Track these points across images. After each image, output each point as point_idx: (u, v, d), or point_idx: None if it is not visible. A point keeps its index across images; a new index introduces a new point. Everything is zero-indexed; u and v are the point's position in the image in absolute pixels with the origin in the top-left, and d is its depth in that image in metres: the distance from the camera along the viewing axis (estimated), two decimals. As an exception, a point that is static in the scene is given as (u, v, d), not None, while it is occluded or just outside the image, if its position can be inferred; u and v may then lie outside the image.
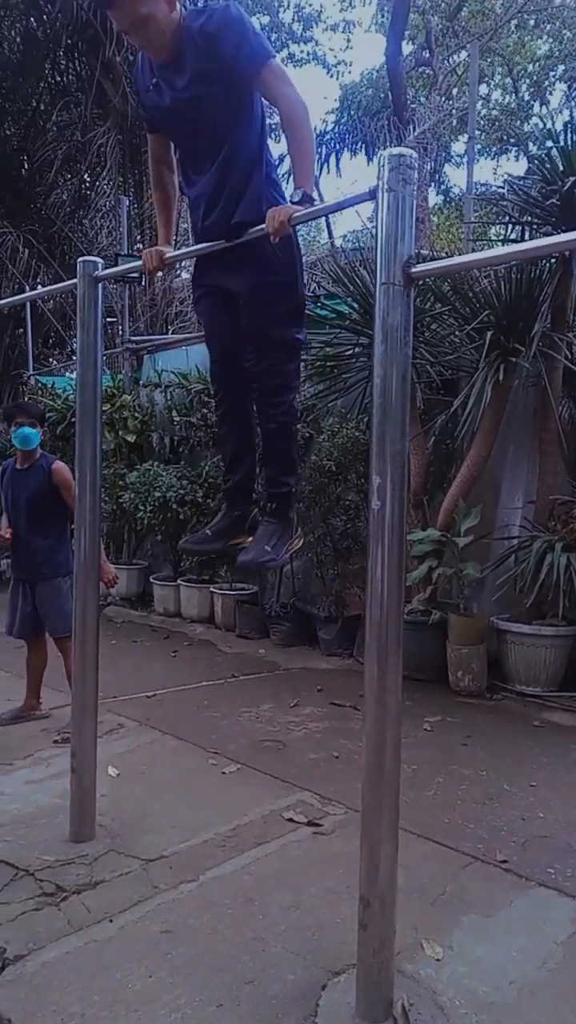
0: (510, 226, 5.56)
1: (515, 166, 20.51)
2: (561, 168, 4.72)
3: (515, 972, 2.21)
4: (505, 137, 17.96)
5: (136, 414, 7.93)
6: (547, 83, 18.27)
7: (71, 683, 3.31)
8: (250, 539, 2.74)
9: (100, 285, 2.92)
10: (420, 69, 17.99)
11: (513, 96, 18.78)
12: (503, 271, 4.86)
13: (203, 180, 2.48)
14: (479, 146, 16.12)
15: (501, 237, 6.43)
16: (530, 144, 16.00)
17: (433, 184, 17.18)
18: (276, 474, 2.69)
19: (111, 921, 2.42)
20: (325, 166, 14.96)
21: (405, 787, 2.30)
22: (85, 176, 12.26)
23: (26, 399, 8.89)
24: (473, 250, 6.52)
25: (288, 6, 19.45)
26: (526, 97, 18.71)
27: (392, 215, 1.89)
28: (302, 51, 19.71)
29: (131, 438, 7.82)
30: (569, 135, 4.71)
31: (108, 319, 9.94)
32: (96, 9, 8.87)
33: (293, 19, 19.46)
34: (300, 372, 2.80)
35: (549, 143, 4.95)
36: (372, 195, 1.95)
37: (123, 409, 7.92)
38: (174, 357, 8.20)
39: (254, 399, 2.66)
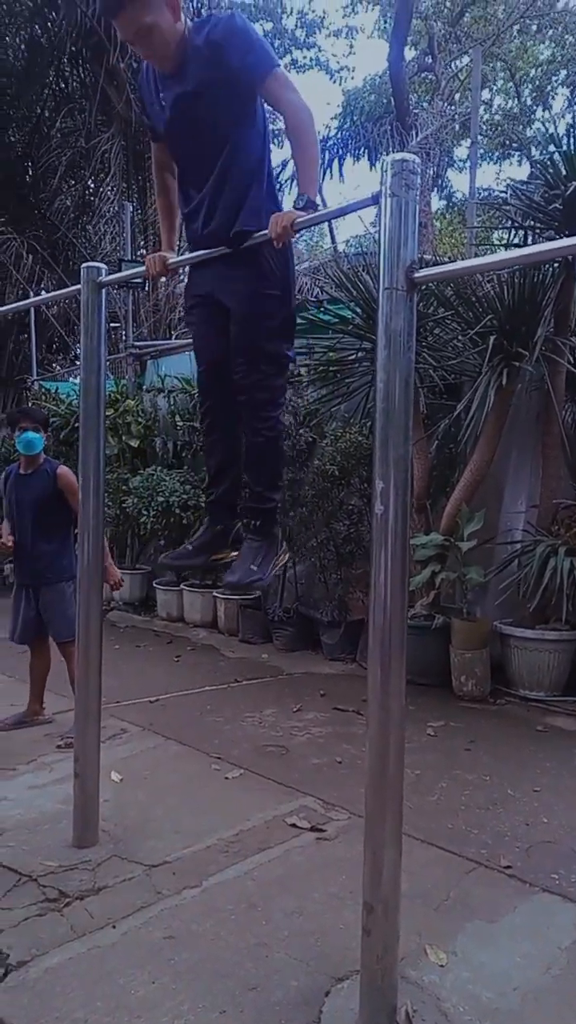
0: (513, 231, 5.56)
1: (518, 171, 20.53)
2: (564, 173, 4.72)
3: (519, 978, 2.20)
4: (508, 142, 18.00)
5: (140, 419, 7.94)
6: (549, 88, 18.31)
7: (74, 688, 3.32)
8: (233, 554, 2.69)
9: (104, 290, 2.93)
10: (423, 74, 18.04)
11: (516, 101, 18.82)
12: (506, 276, 4.86)
13: (203, 189, 2.48)
14: (482, 151, 16.18)
15: (504, 242, 6.44)
16: (533, 149, 16.04)
17: (436, 189, 17.22)
18: (262, 490, 2.64)
19: (114, 927, 2.42)
20: (328, 171, 14.96)
21: (408, 792, 2.30)
22: (89, 182, 12.31)
23: (30, 404, 8.91)
24: (476, 255, 6.53)
25: (291, 12, 19.55)
26: (528, 102, 18.75)
27: (395, 220, 1.89)
28: (305, 57, 19.80)
29: (135, 443, 7.83)
30: (572, 139, 4.71)
31: (112, 324, 9.97)
32: (101, 17, 8.92)
33: (296, 25, 19.55)
34: (287, 388, 2.76)
35: (552, 148, 4.96)
36: (375, 200, 1.96)
37: (127, 414, 7.93)
38: (177, 362, 8.21)
39: (242, 412, 2.62)
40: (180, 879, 2.71)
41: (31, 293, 10.17)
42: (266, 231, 2.32)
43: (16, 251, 10.35)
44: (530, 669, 4.89)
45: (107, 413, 3.05)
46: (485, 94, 17.74)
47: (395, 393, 1.91)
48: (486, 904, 2.58)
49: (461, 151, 17.79)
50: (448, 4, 17.69)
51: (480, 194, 7.49)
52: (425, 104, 16.29)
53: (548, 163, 4.87)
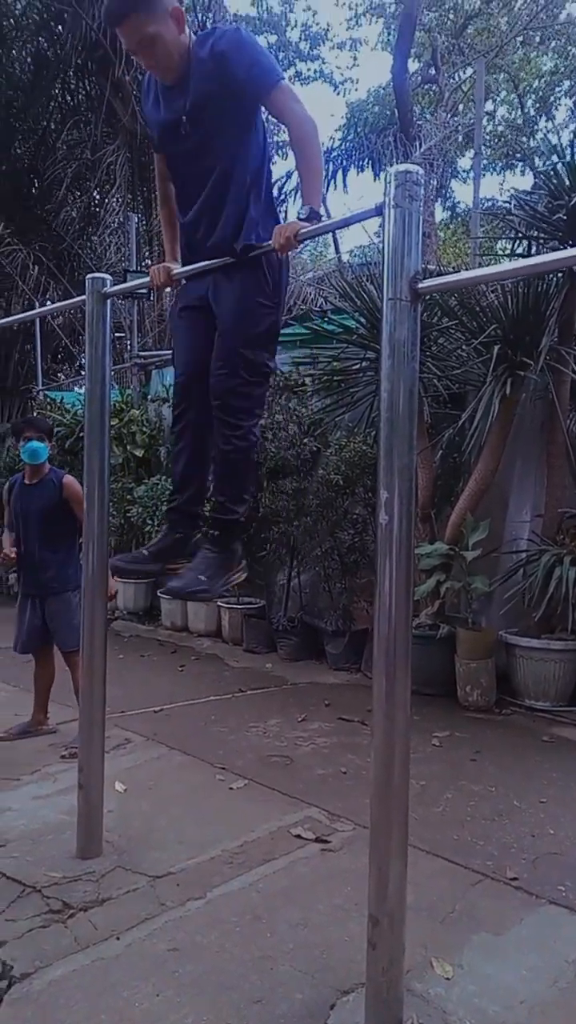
0: (516, 241, 5.58)
1: (521, 181, 20.66)
2: (567, 183, 4.74)
3: (525, 991, 2.18)
4: (511, 152, 18.08)
5: (144, 428, 7.96)
6: (553, 99, 18.40)
7: (78, 698, 3.31)
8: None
9: (109, 301, 2.94)
10: (426, 86, 18.15)
11: (519, 112, 18.91)
12: (510, 285, 4.87)
13: (201, 199, 2.49)
14: (485, 161, 16.26)
15: (507, 251, 6.46)
16: (536, 159, 16.10)
17: (439, 199, 17.31)
18: (225, 500, 2.58)
19: (118, 939, 2.41)
20: (332, 182, 15.06)
21: (414, 803, 2.28)
22: (94, 194, 12.39)
23: (35, 414, 8.94)
24: (480, 265, 6.55)
25: (295, 25, 19.71)
26: (532, 113, 18.84)
27: (399, 231, 1.90)
28: (309, 69, 19.96)
29: (139, 452, 7.85)
30: (575, 150, 4.74)
31: (116, 334, 10.01)
32: (105, 28, 8.99)
33: (300, 38, 19.72)
34: (264, 402, 2.69)
35: (555, 158, 4.98)
36: (379, 211, 1.97)
37: (131, 424, 7.96)
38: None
39: (215, 418, 2.56)
40: (184, 890, 2.70)
41: (37, 303, 10.22)
42: (269, 242, 2.33)
43: (22, 262, 10.41)
44: (536, 679, 4.87)
45: (112, 423, 3.06)
46: (488, 105, 17.83)
47: (399, 403, 1.92)
48: (492, 916, 2.56)
49: (464, 162, 17.90)
50: (451, 16, 17.81)
51: (483, 205, 7.53)
52: (428, 115, 16.38)
53: (552, 174, 4.88)
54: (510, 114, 19.35)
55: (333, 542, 5.95)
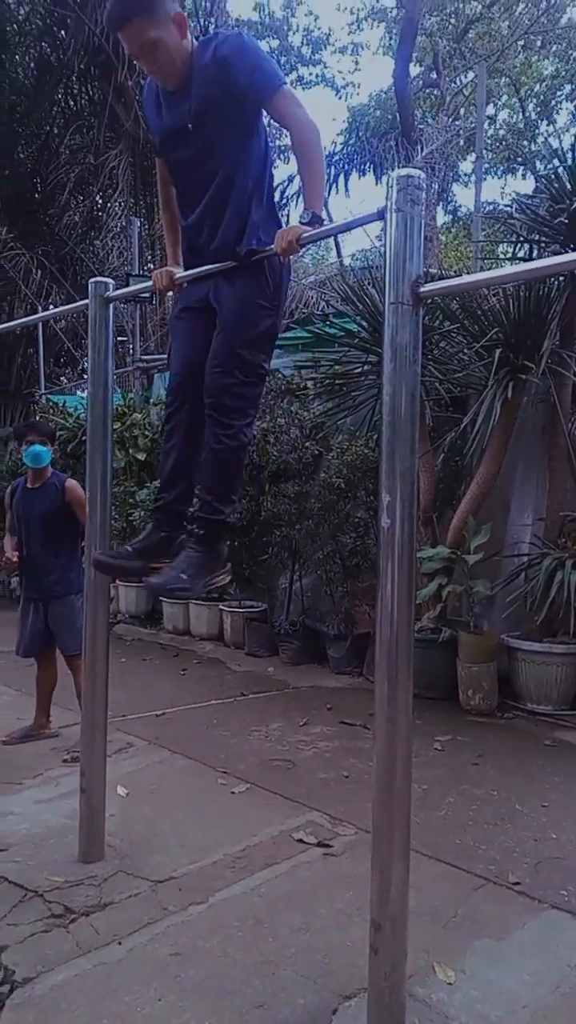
0: (518, 244, 5.58)
1: (522, 184, 20.65)
2: (569, 187, 4.75)
3: (528, 996, 2.17)
4: (512, 156, 18.08)
5: (146, 432, 7.97)
6: (554, 102, 18.43)
7: (80, 702, 3.31)
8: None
9: (111, 305, 2.95)
10: (428, 90, 18.19)
11: (520, 116, 18.93)
12: (511, 289, 4.87)
13: (203, 203, 2.50)
14: (486, 165, 16.25)
15: (509, 255, 6.46)
16: (537, 163, 16.08)
17: (441, 203, 17.33)
18: (212, 499, 2.56)
19: (120, 943, 2.40)
20: (334, 186, 15.10)
21: (416, 807, 2.28)
22: (97, 198, 12.43)
23: (37, 418, 8.95)
24: (481, 268, 6.55)
25: (297, 29, 19.76)
26: (533, 116, 18.86)
27: (400, 235, 1.90)
28: (311, 73, 20.02)
29: (141, 456, 7.85)
30: (576, 154, 4.75)
31: (119, 338, 10.03)
32: (108, 33, 9.02)
33: (302, 42, 19.77)
34: (259, 404, 2.66)
35: (556, 162, 4.99)
36: (380, 215, 1.97)
37: (134, 427, 7.97)
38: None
39: (207, 416, 2.54)
40: (186, 895, 2.69)
41: (39, 307, 10.24)
42: (271, 246, 2.34)
43: (25, 266, 10.44)
44: (538, 683, 4.86)
45: (114, 426, 3.06)
46: (490, 109, 17.87)
47: (401, 406, 1.92)
48: (495, 921, 2.56)
49: (466, 165, 17.91)
50: (453, 21, 17.85)
51: (485, 208, 7.53)
52: (430, 119, 16.40)
53: (553, 178, 4.89)
54: (511, 118, 19.38)
55: (335, 545, 5.95)
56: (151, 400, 8.70)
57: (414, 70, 17.09)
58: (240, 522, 6.44)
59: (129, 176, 10.90)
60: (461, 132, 14.03)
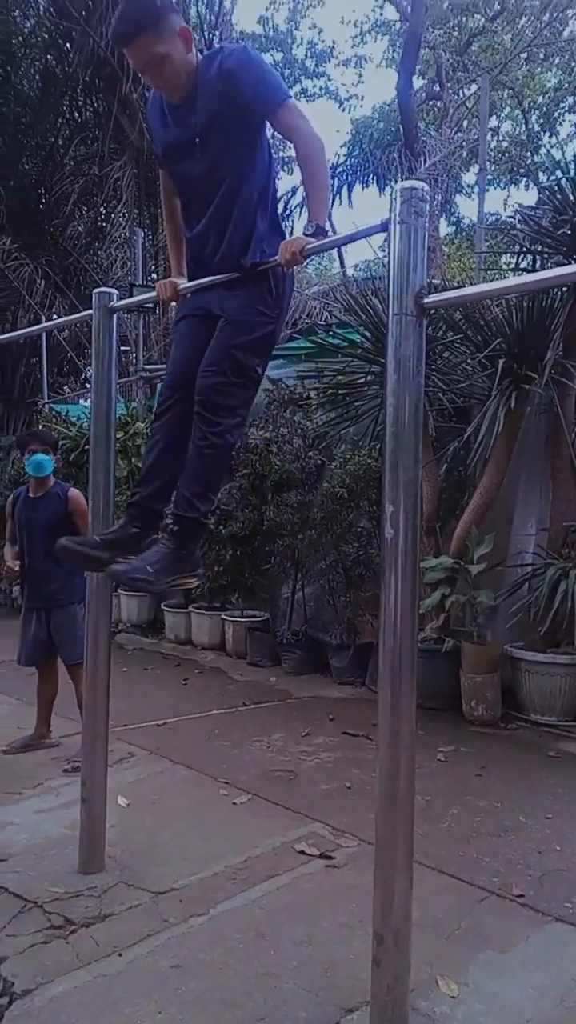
0: (521, 255, 5.60)
1: (525, 195, 20.77)
2: (572, 198, 4.76)
3: (532, 1010, 2.15)
4: (515, 168, 18.18)
5: (149, 442, 7.96)
6: (557, 114, 18.54)
7: (82, 711, 3.31)
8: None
9: (115, 315, 2.96)
10: (431, 102, 18.31)
11: (523, 127, 19.04)
12: (515, 299, 4.88)
13: (208, 214, 2.51)
14: (489, 177, 16.34)
15: (512, 266, 6.48)
16: (540, 174, 16.17)
17: (444, 214, 17.39)
18: (190, 495, 2.52)
19: (120, 955, 2.39)
20: (337, 197, 15.17)
21: (419, 819, 2.27)
22: (101, 209, 12.49)
23: (40, 427, 8.97)
24: (484, 279, 6.57)
25: (301, 42, 19.91)
26: (536, 128, 18.96)
27: (404, 246, 1.91)
28: (315, 86, 20.16)
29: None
30: (579, 166, 4.77)
31: (122, 348, 10.05)
32: (114, 47, 9.09)
33: (306, 55, 19.92)
34: (249, 408, 2.63)
35: (559, 174, 5.01)
36: (384, 227, 1.98)
37: (136, 437, 7.97)
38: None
39: (195, 414, 2.52)
40: (187, 906, 2.68)
41: (43, 317, 10.27)
42: (275, 257, 2.35)
43: (29, 276, 10.48)
44: (541, 694, 4.85)
45: (117, 436, 3.05)
46: (493, 121, 17.97)
47: (405, 417, 1.92)
48: (498, 934, 2.54)
49: (469, 177, 17.96)
50: (456, 34, 17.98)
51: (488, 219, 7.56)
52: (433, 131, 16.49)
53: (556, 189, 4.91)
54: (514, 130, 19.49)
55: (338, 555, 5.95)
56: (154, 409, 8.70)
57: (417, 82, 17.22)
58: (243, 531, 6.44)
59: (133, 187, 10.95)
60: (464, 144, 14.10)
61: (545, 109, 18.52)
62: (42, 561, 4.25)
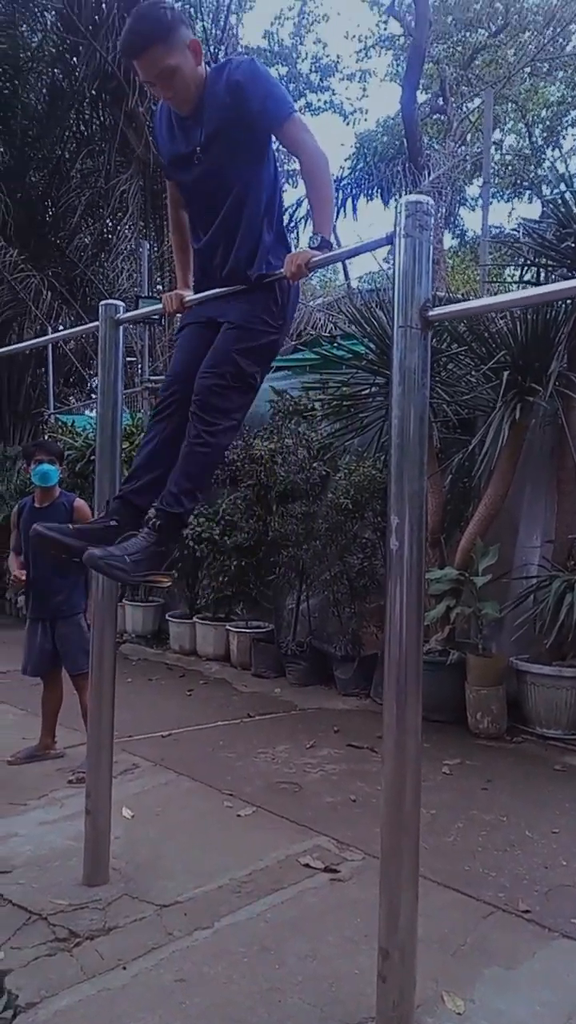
0: (525, 268, 5.62)
1: (529, 209, 20.83)
2: (575, 211, 4.78)
3: (539, 1028, 2.13)
4: (519, 181, 18.27)
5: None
6: (560, 128, 18.64)
7: (86, 722, 3.30)
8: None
9: (121, 327, 2.97)
10: (435, 116, 18.43)
11: (527, 141, 19.14)
12: (519, 312, 4.90)
13: (215, 225, 2.53)
14: (493, 190, 16.39)
15: (516, 278, 6.50)
16: (544, 188, 16.26)
17: (448, 227, 17.47)
18: (177, 491, 2.51)
19: (124, 968, 2.38)
20: (342, 210, 15.23)
21: (424, 833, 2.26)
22: (107, 221, 12.58)
23: (46, 437, 9.00)
24: (488, 291, 6.59)
25: (306, 57, 20.08)
26: (539, 142, 19.07)
27: (409, 260, 1.92)
28: (320, 100, 20.32)
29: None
30: (583, 179, 4.79)
31: (128, 359, 10.10)
32: (119, 60, 9.17)
33: (311, 69, 20.08)
34: (244, 412, 2.65)
35: (563, 187, 5.03)
36: (389, 240, 1.99)
37: (142, 447, 7.99)
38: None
39: (191, 414, 2.52)
40: (192, 920, 2.66)
41: (49, 328, 10.33)
42: (281, 270, 2.36)
43: (35, 287, 10.54)
44: (547, 706, 4.82)
45: (123, 446, 3.06)
46: (496, 134, 18.07)
47: (410, 429, 1.93)
48: (504, 950, 2.52)
49: (473, 190, 18.08)
50: (459, 48, 18.13)
51: (492, 232, 7.59)
52: (437, 145, 16.60)
53: (560, 202, 4.93)
54: (518, 143, 19.61)
55: (342, 566, 5.94)
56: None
57: (421, 96, 17.35)
58: (247, 542, 6.44)
59: (139, 199, 11.02)
60: (468, 157, 14.18)
61: (548, 123, 18.63)
62: (47, 572, 4.25)
